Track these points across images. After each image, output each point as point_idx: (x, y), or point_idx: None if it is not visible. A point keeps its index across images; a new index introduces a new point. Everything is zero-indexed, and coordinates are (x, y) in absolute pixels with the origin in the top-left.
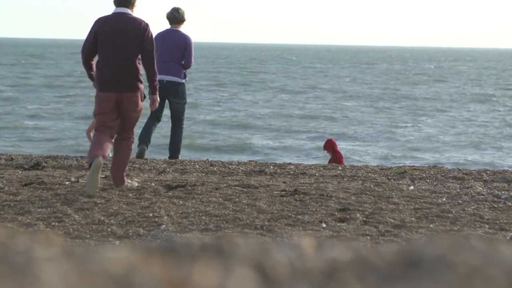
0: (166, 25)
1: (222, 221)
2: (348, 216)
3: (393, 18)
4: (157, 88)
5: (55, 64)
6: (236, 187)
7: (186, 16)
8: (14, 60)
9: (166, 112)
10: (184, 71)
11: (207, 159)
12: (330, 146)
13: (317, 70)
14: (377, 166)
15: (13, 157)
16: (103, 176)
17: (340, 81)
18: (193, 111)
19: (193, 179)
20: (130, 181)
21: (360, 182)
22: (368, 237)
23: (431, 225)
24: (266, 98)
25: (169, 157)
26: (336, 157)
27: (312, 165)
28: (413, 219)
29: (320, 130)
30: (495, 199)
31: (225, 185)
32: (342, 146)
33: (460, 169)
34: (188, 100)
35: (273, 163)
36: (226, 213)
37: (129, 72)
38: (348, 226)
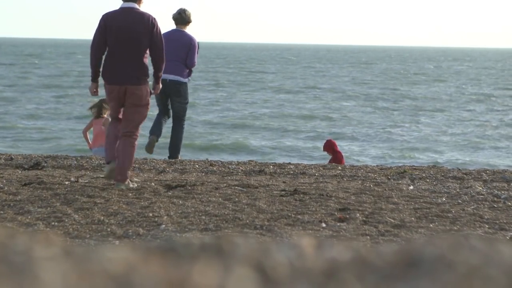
0: (166, 26)
1: (221, 221)
2: (347, 216)
3: (392, 18)
4: (160, 79)
5: (54, 64)
6: (236, 187)
7: (192, 18)
8: (13, 60)
9: None
10: (188, 70)
11: (207, 159)
12: (329, 146)
13: (316, 70)
14: (377, 166)
15: (13, 157)
16: (103, 176)
17: (339, 80)
18: (191, 111)
19: (193, 179)
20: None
21: (359, 182)
22: (368, 237)
23: (431, 225)
24: (265, 98)
25: (169, 157)
26: (336, 157)
27: (312, 165)
28: (413, 219)
29: (318, 130)
30: (495, 198)
31: (224, 185)
32: (340, 146)
33: (459, 169)
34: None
35: (272, 163)
36: (226, 213)
37: (135, 67)
38: (348, 226)
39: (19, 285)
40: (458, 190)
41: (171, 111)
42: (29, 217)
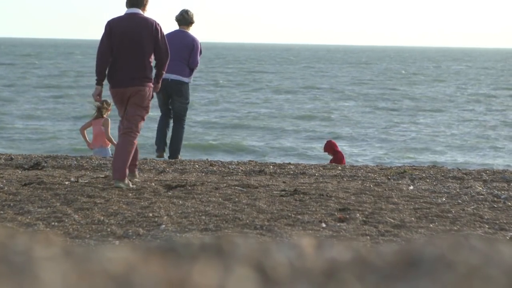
0: (167, 27)
1: (221, 221)
2: (347, 216)
3: (392, 19)
4: (161, 78)
5: (53, 64)
6: (236, 187)
7: (195, 19)
8: (12, 60)
9: None
10: (190, 71)
11: (207, 159)
12: (330, 147)
13: (316, 70)
14: (377, 166)
15: (13, 157)
16: (103, 176)
17: (338, 81)
18: (190, 111)
19: (193, 179)
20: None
21: (359, 182)
22: (368, 237)
23: (431, 225)
24: (264, 98)
25: (169, 157)
26: (337, 157)
27: (312, 165)
28: (413, 219)
29: (317, 130)
30: (495, 199)
31: (224, 185)
32: (340, 146)
33: (459, 169)
34: None
35: (272, 163)
36: (226, 213)
37: (139, 70)
38: (348, 226)
39: (19, 285)
40: (458, 190)
41: (170, 112)
42: (29, 217)
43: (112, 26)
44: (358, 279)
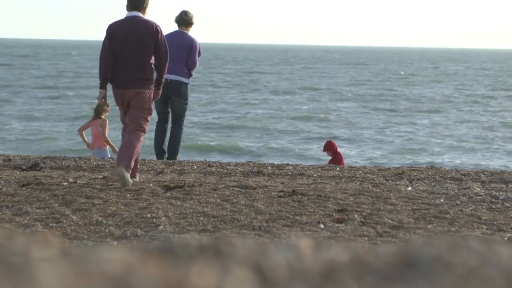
0: (166, 28)
1: (220, 222)
2: (346, 217)
3: (390, 19)
4: (161, 85)
5: (51, 65)
6: (234, 188)
7: (194, 20)
8: (9, 61)
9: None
10: (190, 71)
11: (205, 160)
12: (329, 147)
13: (313, 70)
14: (375, 167)
15: (11, 157)
16: (101, 177)
17: (336, 81)
18: (187, 112)
19: (191, 179)
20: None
21: (358, 183)
22: (366, 238)
23: (429, 226)
24: (262, 99)
25: (167, 158)
26: (336, 158)
27: (310, 165)
28: (411, 220)
29: (315, 131)
30: (493, 200)
31: (223, 185)
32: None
33: (458, 170)
34: None
35: (271, 164)
36: (224, 214)
37: (140, 72)
38: (346, 227)
39: (17, 286)
40: (456, 191)
41: (168, 115)
42: (27, 218)
43: (113, 30)
44: (356, 280)
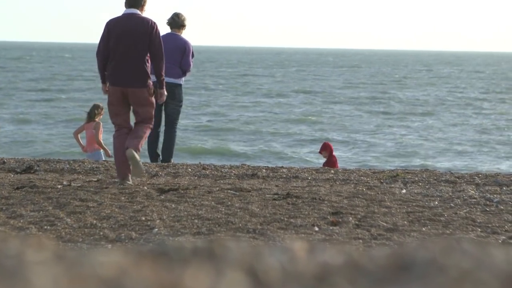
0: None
1: (214, 224)
2: (340, 220)
3: (384, 22)
4: (164, 82)
5: (44, 68)
6: (229, 191)
7: (186, 22)
8: (2, 63)
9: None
10: (183, 73)
11: (200, 163)
12: (326, 148)
13: (307, 73)
14: (369, 169)
15: (5, 160)
16: (95, 179)
17: (329, 84)
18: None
19: (186, 182)
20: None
21: (352, 186)
22: (361, 241)
23: (424, 229)
24: (255, 102)
25: (162, 160)
26: (331, 160)
27: (305, 168)
28: (406, 222)
29: (308, 134)
30: (487, 202)
31: (217, 188)
32: None
33: (452, 173)
34: None
35: (265, 166)
36: (219, 216)
37: (136, 69)
38: (341, 230)
39: None
40: (450, 193)
41: (162, 118)
42: (21, 221)
43: (110, 26)
44: (350, 283)
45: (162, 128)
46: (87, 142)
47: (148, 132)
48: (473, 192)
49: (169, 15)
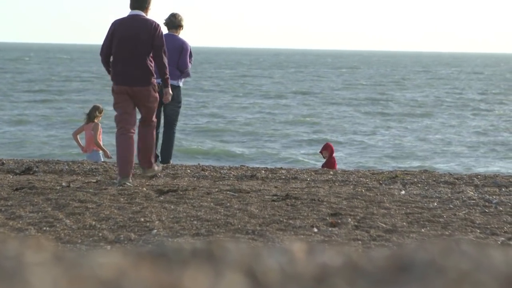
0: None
1: (213, 226)
2: (339, 221)
3: (382, 23)
4: (169, 81)
5: (42, 69)
6: (228, 192)
7: (183, 23)
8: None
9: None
10: (180, 73)
11: (199, 164)
12: (327, 149)
13: (305, 74)
14: (368, 170)
15: (4, 161)
16: (94, 181)
17: (328, 85)
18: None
19: (185, 183)
20: (157, 165)
21: (351, 187)
22: (360, 242)
23: (423, 230)
24: (253, 103)
25: (161, 162)
26: (330, 161)
27: (304, 169)
28: (405, 223)
29: (306, 135)
30: (486, 203)
31: (216, 189)
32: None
33: (451, 174)
34: None
35: (264, 167)
36: (218, 218)
37: (140, 69)
38: (340, 231)
39: None
40: (449, 195)
41: (160, 119)
42: (20, 222)
43: (115, 27)
44: (349, 284)
45: (161, 130)
46: (86, 143)
47: (153, 134)
48: (472, 193)
49: (166, 16)
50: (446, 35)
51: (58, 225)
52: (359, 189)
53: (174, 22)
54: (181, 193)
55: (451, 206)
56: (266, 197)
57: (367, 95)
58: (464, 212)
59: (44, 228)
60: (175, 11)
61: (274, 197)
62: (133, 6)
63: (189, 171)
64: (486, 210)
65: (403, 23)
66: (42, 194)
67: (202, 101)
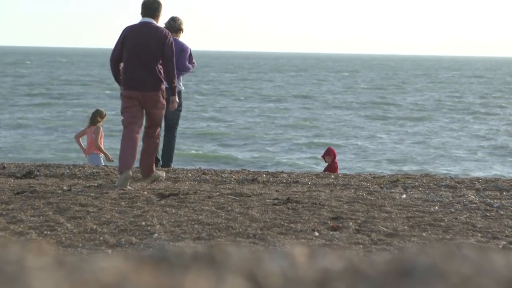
0: None
1: (214, 229)
2: (340, 225)
3: (383, 27)
4: (176, 89)
5: (42, 72)
6: (229, 196)
7: (183, 26)
8: (0, 68)
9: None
10: (182, 75)
11: (200, 168)
12: (330, 154)
13: (306, 78)
14: (370, 174)
15: (5, 165)
16: (95, 184)
17: (328, 89)
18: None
19: (186, 187)
20: (158, 171)
21: (352, 191)
22: (361, 246)
23: (424, 234)
24: (253, 106)
25: (162, 165)
26: (332, 166)
27: (305, 173)
28: (406, 227)
29: (306, 139)
30: (488, 207)
31: (217, 193)
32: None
33: (452, 178)
34: None
35: (265, 171)
36: (219, 221)
37: (150, 75)
38: (341, 235)
39: None
40: (450, 198)
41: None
42: (21, 226)
43: (126, 33)
44: None
45: (162, 133)
46: (88, 146)
47: (157, 146)
48: (473, 197)
49: (166, 19)
50: (447, 39)
51: (59, 229)
52: (360, 193)
53: (174, 26)
54: (182, 197)
55: (452, 210)
56: (267, 201)
57: (367, 98)
58: (465, 216)
59: (45, 232)
60: (175, 15)
61: (275, 201)
62: (144, 14)
63: (190, 174)
64: (488, 214)
65: (404, 27)
66: (43, 198)
67: (202, 104)
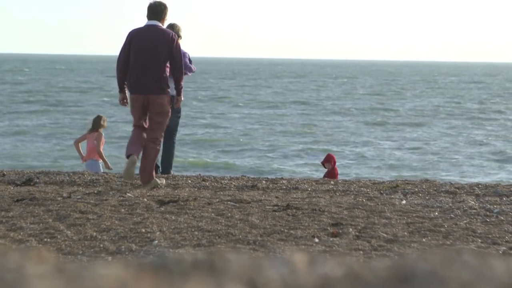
0: None
1: (214, 236)
2: (340, 231)
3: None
4: (182, 90)
5: (40, 79)
6: (229, 202)
7: (182, 33)
8: None
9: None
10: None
11: (199, 174)
12: (330, 160)
13: (304, 84)
14: (369, 180)
15: (5, 173)
16: (95, 191)
17: (326, 95)
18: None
19: (186, 194)
20: (158, 178)
21: (352, 197)
22: (361, 252)
23: (424, 240)
24: (251, 113)
25: (161, 172)
26: (332, 172)
27: (305, 179)
28: (406, 233)
29: (305, 145)
30: (488, 213)
31: (217, 200)
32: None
33: (452, 183)
34: None
35: (265, 178)
36: (219, 228)
37: (156, 78)
38: (341, 241)
39: None
40: (450, 204)
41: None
42: (21, 233)
43: (132, 37)
44: None
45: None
46: (87, 151)
47: (158, 153)
48: (473, 202)
49: (164, 26)
50: (446, 44)
51: (59, 236)
52: (360, 199)
53: None
54: (182, 203)
55: (452, 215)
56: (267, 207)
57: (366, 104)
58: (465, 221)
59: (45, 240)
60: (173, 22)
61: (275, 207)
62: (150, 17)
63: (189, 181)
64: (487, 220)
65: (403, 33)
66: (43, 205)
67: (200, 111)
